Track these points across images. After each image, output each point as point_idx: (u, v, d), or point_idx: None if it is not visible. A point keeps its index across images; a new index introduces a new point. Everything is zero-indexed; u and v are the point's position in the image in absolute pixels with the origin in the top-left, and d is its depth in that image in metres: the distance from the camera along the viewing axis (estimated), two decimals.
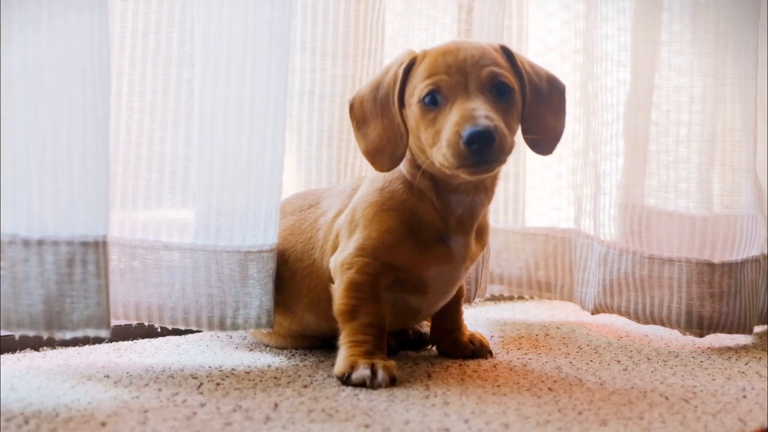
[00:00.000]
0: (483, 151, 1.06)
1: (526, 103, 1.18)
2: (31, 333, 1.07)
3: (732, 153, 1.48)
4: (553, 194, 1.76)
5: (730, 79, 1.46)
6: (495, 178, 1.22)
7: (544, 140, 1.21)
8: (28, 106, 1.06)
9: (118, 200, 1.27)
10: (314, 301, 1.25)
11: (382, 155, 1.18)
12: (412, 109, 1.15)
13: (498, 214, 1.70)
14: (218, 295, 1.25)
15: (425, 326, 1.40)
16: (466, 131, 1.06)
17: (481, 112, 1.08)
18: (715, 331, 1.44)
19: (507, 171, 1.70)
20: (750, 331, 1.47)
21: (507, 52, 1.19)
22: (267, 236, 1.26)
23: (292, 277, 1.28)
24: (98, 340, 1.35)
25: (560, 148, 1.68)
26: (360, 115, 1.20)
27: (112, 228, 1.26)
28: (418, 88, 1.14)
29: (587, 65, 1.58)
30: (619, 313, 1.51)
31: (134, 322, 1.31)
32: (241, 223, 1.25)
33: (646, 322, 1.49)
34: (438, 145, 1.10)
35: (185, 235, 1.27)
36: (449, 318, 1.33)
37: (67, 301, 1.07)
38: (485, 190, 1.21)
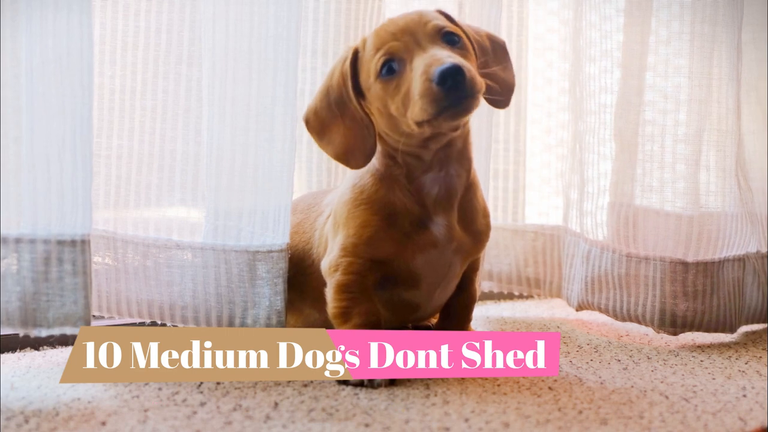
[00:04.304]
0: (458, 87, 1.06)
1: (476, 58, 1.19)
2: (6, 330, 1.08)
3: (709, 152, 1.48)
4: (543, 191, 1.76)
5: (706, 79, 1.45)
6: (466, 142, 1.20)
7: (499, 92, 1.20)
8: (7, 106, 1.06)
9: (132, 199, 1.28)
10: (317, 298, 1.25)
11: (353, 154, 1.18)
12: (374, 90, 1.15)
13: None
14: (226, 295, 1.25)
15: (433, 322, 1.40)
16: (435, 72, 1.06)
17: (444, 53, 1.09)
18: (690, 330, 1.44)
19: (497, 168, 1.70)
20: (732, 331, 1.47)
21: (444, 14, 1.20)
22: (276, 236, 1.26)
23: (297, 274, 1.29)
24: None
25: (554, 147, 1.71)
26: (318, 125, 1.20)
27: (126, 227, 1.26)
28: (372, 65, 1.14)
29: (576, 64, 1.58)
30: (599, 310, 1.52)
31: (147, 321, 1.31)
32: (249, 222, 1.26)
33: (623, 320, 1.49)
34: (411, 103, 1.10)
35: (196, 234, 1.28)
36: (454, 318, 1.32)
37: (43, 298, 1.08)
38: (458, 158, 1.19)
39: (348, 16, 1.50)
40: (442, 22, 1.15)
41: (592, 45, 1.52)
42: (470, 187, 1.23)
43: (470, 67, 1.08)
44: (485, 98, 1.19)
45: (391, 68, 1.12)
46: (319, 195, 1.36)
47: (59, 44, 1.08)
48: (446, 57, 1.07)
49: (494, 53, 1.22)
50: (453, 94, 1.06)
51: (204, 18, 1.26)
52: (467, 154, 1.22)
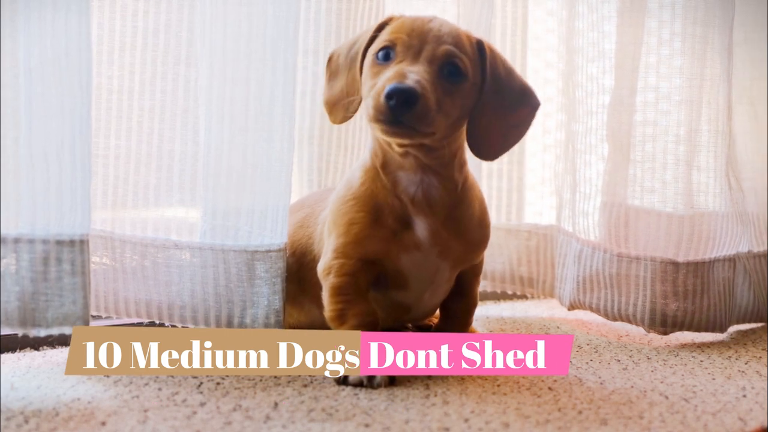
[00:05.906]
0: (399, 110, 1.05)
1: (481, 101, 1.16)
2: (5, 330, 1.08)
3: (699, 153, 1.48)
4: (541, 191, 1.77)
5: (698, 80, 1.46)
6: (445, 163, 1.18)
7: (487, 144, 1.18)
8: (6, 106, 1.06)
9: (130, 199, 1.29)
10: (318, 294, 1.25)
11: (337, 107, 1.20)
12: (366, 62, 1.16)
13: None
14: (225, 294, 1.25)
15: (434, 321, 1.40)
16: (390, 86, 1.06)
17: (414, 76, 1.08)
18: (680, 330, 1.45)
19: (491, 168, 1.70)
20: (722, 330, 1.47)
21: (480, 47, 1.17)
22: (274, 236, 1.26)
23: (299, 269, 1.29)
24: None
25: (551, 148, 1.70)
26: (335, 67, 1.23)
27: (124, 227, 1.27)
28: (377, 42, 1.15)
29: (570, 65, 1.59)
30: (591, 309, 1.53)
31: (146, 321, 1.31)
32: (247, 222, 1.26)
33: (614, 319, 1.50)
34: (369, 96, 1.10)
35: (195, 234, 1.28)
36: (454, 322, 1.31)
37: (42, 298, 1.08)
38: (434, 173, 1.17)
39: (339, 15, 1.49)
40: (458, 52, 1.12)
41: (586, 46, 1.53)
42: (462, 202, 1.21)
43: (429, 101, 1.07)
44: (468, 141, 1.17)
45: (387, 55, 1.13)
46: (327, 191, 1.36)
47: (58, 45, 1.08)
48: (413, 80, 1.06)
49: (517, 105, 1.19)
50: (393, 112, 1.06)
51: (202, 18, 1.26)
52: (450, 174, 1.19)
